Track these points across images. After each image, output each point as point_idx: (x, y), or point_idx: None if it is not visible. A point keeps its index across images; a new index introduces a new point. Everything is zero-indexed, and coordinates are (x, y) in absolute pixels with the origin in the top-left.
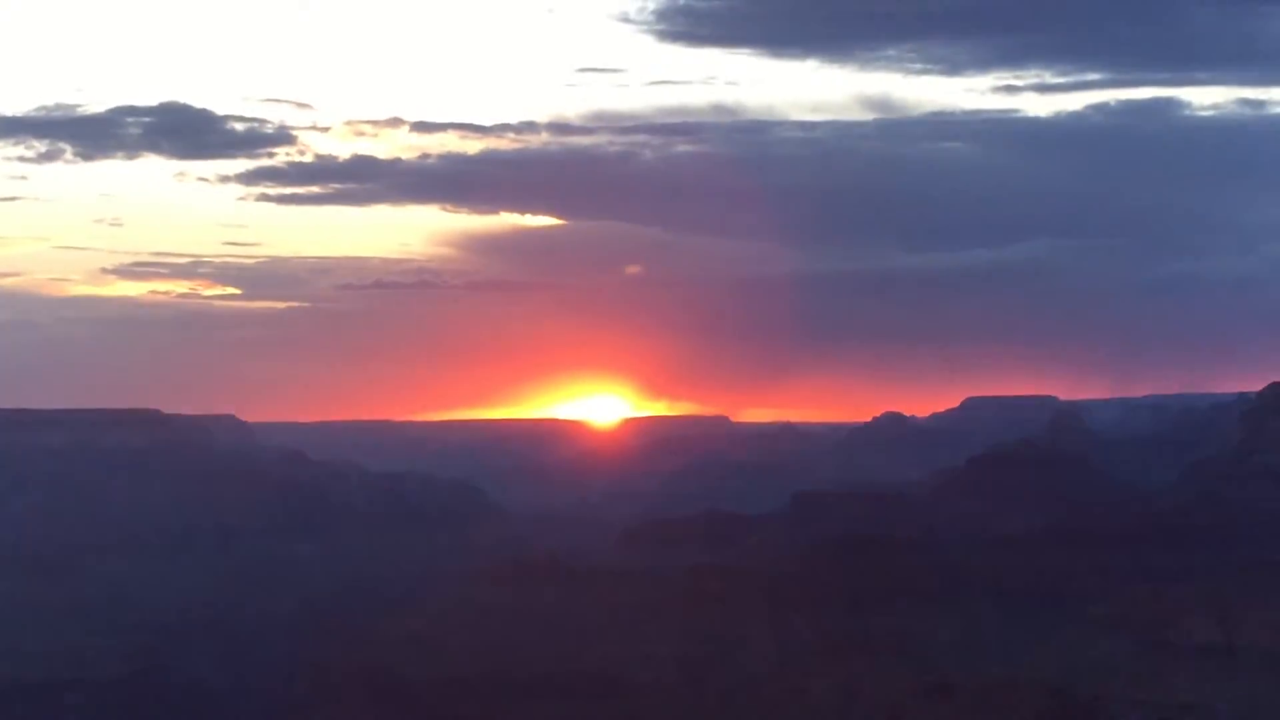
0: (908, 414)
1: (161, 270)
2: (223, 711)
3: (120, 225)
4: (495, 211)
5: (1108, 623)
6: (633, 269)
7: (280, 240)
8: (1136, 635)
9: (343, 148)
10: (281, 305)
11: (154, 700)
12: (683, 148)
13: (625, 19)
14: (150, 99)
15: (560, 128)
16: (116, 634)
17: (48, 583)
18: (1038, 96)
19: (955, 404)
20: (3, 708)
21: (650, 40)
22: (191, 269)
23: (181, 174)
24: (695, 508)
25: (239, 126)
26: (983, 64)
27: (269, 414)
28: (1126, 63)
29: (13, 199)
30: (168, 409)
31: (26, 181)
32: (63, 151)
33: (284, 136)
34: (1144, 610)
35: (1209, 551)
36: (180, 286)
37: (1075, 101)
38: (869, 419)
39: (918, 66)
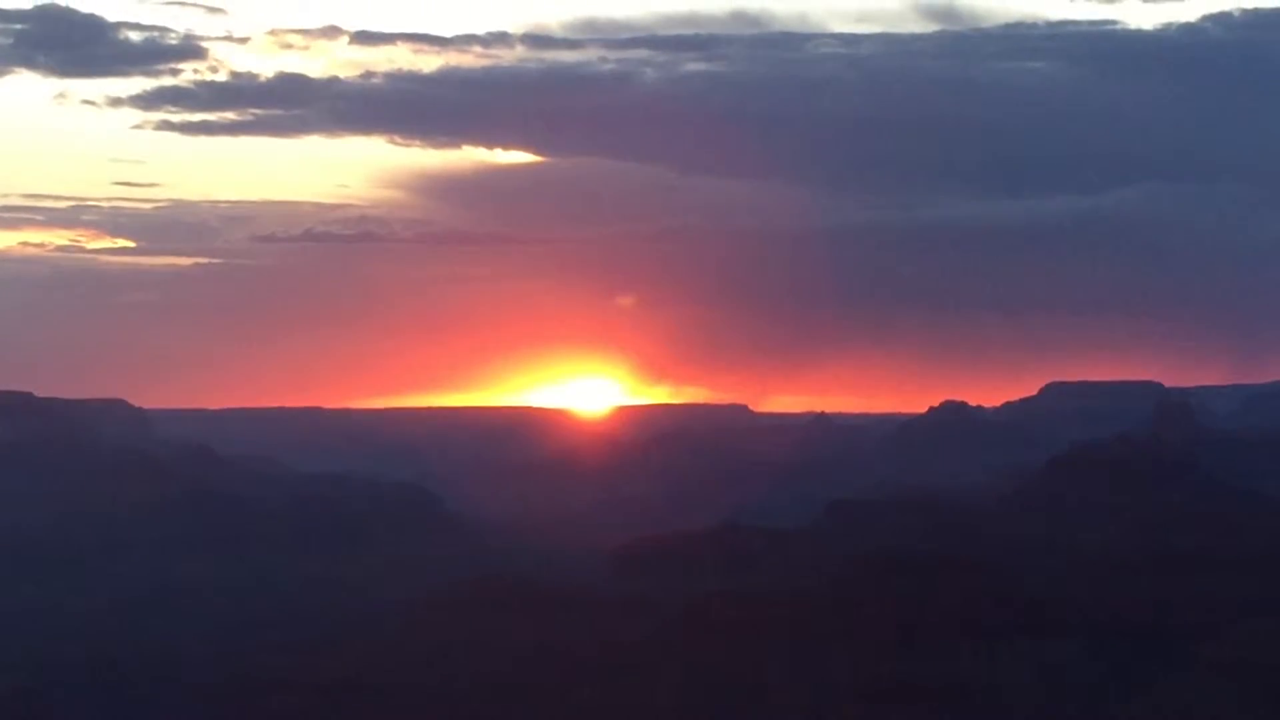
0: (973, 403)
1: (36, 217)
2: None
3: None
4: (456, 145)
5: (1223, 667)
6: (628, 220)
7: (185, 180)
8: (1259, 682)
9: (265, 64)
10: (186, 262)
11: None
12: (694, 66)
13: None
14: (23, 1)
15: (539, 40)
16: None
17: None
18: (1141, 4)
19: (1033, 391)
20: None
21: None
22: (74, 215)
23: (62, 95)
24: (705, 520)
25: (134, 36)
26: None
27: (169, 399)
28: None
29: None
30: (43, 392)
31: None
32: None
33: (191, 49)
34: (1270, 652)
35: None
36: (59, 237)
37: (1189, 11)
38: (924, 409)
39: None
